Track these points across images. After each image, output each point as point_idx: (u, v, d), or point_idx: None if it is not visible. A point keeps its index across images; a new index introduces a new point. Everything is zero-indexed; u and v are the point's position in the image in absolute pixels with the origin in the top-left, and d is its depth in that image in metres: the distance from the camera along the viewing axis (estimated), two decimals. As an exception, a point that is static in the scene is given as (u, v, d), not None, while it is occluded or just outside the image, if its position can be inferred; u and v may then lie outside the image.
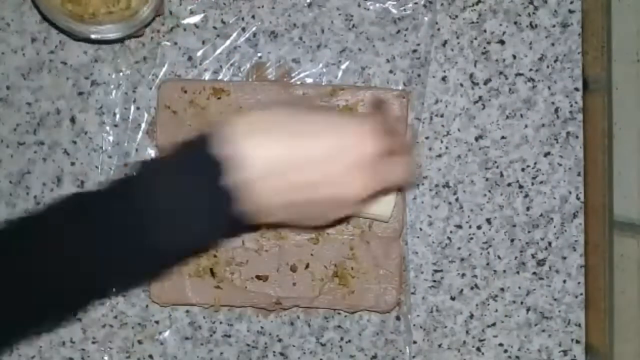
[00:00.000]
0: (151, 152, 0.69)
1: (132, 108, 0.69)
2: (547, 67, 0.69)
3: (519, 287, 0.68)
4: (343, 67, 0.69)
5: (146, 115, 0.69)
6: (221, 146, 0.46)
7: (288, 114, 0.49)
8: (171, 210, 0.46)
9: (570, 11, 0.69)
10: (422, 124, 0.69)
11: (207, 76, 0.69)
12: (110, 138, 0.69)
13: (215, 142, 0.47)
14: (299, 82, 0.69)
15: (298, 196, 0.48)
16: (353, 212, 0.53)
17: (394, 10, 0.69)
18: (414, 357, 0.68)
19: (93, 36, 0.64)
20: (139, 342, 0.69)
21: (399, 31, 0.69)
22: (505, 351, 0.68)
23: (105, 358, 0.68)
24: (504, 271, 0.69)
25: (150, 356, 0.69)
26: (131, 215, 0.46)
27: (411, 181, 0.52)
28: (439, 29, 0.69)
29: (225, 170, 0.46)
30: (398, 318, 0.68)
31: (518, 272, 0.68)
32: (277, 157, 0.47)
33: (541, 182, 0.69)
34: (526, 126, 0.69)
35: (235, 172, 0.46)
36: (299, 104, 0.51)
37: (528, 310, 0.68)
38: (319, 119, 0.49)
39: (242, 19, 0.69)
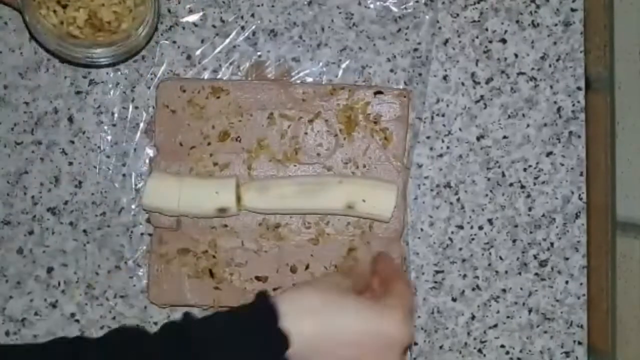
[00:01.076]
0: (149, 152, 0.68)
1: (131, 107, 0.69)
2: (549, 66, 0.68)
3: (521, 288, 0.68)
4: (343, 66, 0.68)
5: (144, 114, 0.69)
6: (279, 322, 0.49)
7: (337, 295, 0.53)
8: None
9: (573, 9, 0.68)
10: (423, 123, 0.68)
11: (206, 75, 0.68)
12: (109, 137, 0.68)
13: (272, 317, 0.50)
14: (298, 81, 0.68)
15: None
16: None
17: (394, 9, 0.68)
18: (415, 358, 0.68)
19: (83, 61, 0.63)
20: (138, 343, 0.68)
21: (399, 30, 0.68)
22: (507, 353, 0.68)
23: (104, 359, 0.68)
24: (506, 272, 0.68)
25: (149, 358, 0.68)
26: None
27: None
28: (440, 28, 0.69)
29: (279, 344, 0.49)
30: (399, 319, 0.68)
31: (520, 273, 0.68)
32: (319, 336, 0.51)
33: (543, 182, 0.68)
34: (528, 126, 0.68)
35: (290, 347, 0.49)
36: (346, 286, 0.56)
37: (530, 311, 0.68)
38: (361, 305, 0.53)
39: (242, 17, 0.69)
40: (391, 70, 0.68)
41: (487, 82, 0.68)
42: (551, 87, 0.68)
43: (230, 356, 0.48)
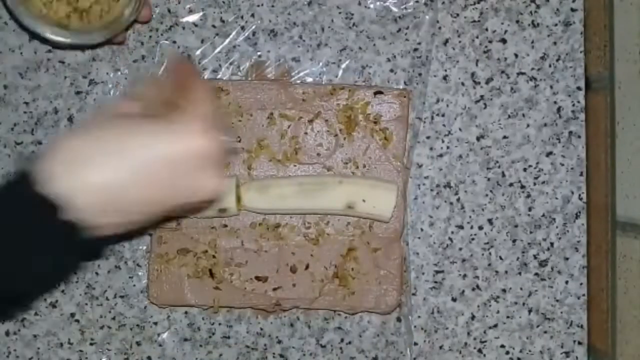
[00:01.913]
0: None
1: (131, 107, 0.68)
2: (549, 66, 0.68)
3: (521, 288, 0.68)
4: (343, 66, 0.68)
5: (145, 114, 0.68)
6: (45, 185, 0.44)
7: (107, 132, 0.47)
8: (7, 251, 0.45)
9: (573, 9, 0.68)
10: (423, 123, 0.68)
11: (206, 75, 0.68)
12: (109, 137, 0.68)
13: (37, 179, 0.44)
14: (298, 81, 0.68)
15: (147, 209, 0.48)
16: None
17: (394, 9, 0.68)
18: (414, 358, 0.68)
19: (69, 41, 0.62)
20: (137, 343, 0.68)
21: (399, 30, 0.68)
22: (507, 353, 0.68)
23: (104, 359, 0.68)
24: (506, 272, 0.68)
25: (149, 358, 0.68)
26: None
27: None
28: (440, 28, 0.68)
29: (55, 210, 0.44)
30: (399, 319, 0.68)
31: (520, 273, 0.68)
32: (109, 185, 0.46)
33: (543, 182, 0.68)
34: (528, 126, 0.68)
35: (68, 213, 0.44)
36: (112, 119, 0.49)
37: (530, 311, 0.68)
38: (151, 128, 0.47)
39: (242, 17, 0.69)
40: (391, 70, 0.68)
41: (487, 82, 0.68)
42: (551, 87, 0.68)
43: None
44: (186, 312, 0.68)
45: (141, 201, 0.47)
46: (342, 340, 0.68)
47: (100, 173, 0.45)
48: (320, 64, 0.69)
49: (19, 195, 0.45)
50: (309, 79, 0.69)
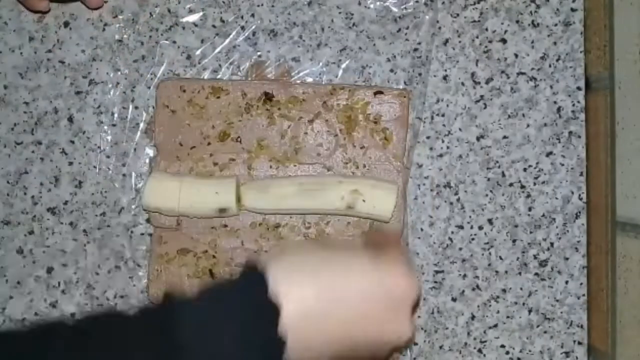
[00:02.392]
0: (149, 152, 0.68)
1: (131, 107, 0.69)
2: (549, 66, 0.68)
3: (521, 288, 0.68)
4: (343, 66, 0.68)
5: (144, 114, 0.68)
6: (267, 289, 0.45)
7: (325, 252, 0.49)
8: (217, 352, 0.43)
9: (573, 9, 0.68)
10: (423, 123, 0.68)
11: (206, 75, 0.68)
12: (109, 137, 0.68)
13: (258, 283, 0.45)
14: (298, 81, 0.68)
15: (343, 334, 0.47)
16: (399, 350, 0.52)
17: (394, 9, 0.68)
18: (414, 358, 0.68)
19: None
20: (138, 343, 0.68)
21: (399, 30, 0.68)
22: (507, 353, 0.68)
23: None
24: (506, 272, 0.68)
25: (149, 358, 0.68)
26: (170, 352, 0.43)
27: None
28: (440, 28, 0.68)
29: (271, 314, 0.44)
30: (399, 319, 0.68)
31: (520, 273, 0.68)
32: (317, 297, 0.46)
33: (543, 182, 0.68)
34: (528, 126, 0.68)
35: (280, 315, 0.44)
36: (333, 244, 0.52)
37: (530, 311, 0.68)
38: (355, 259, 0.49)
39: (242, 17, 0.69)
40: (391, 70, 0.68)
41: (487, 82, 0.68)
42: (551, 87, 0.68)
43: (214, 340, 0.43)
44: (186, 312, 0.68)
45: (340, 329, 0.47)
46: (342, 340, 0.68)
47: (316, 285, 0.46)
48: (320, 64, 0.69)
49: (243, 294, 0.45)
50: (309, 79, 0.69)
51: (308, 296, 0.45)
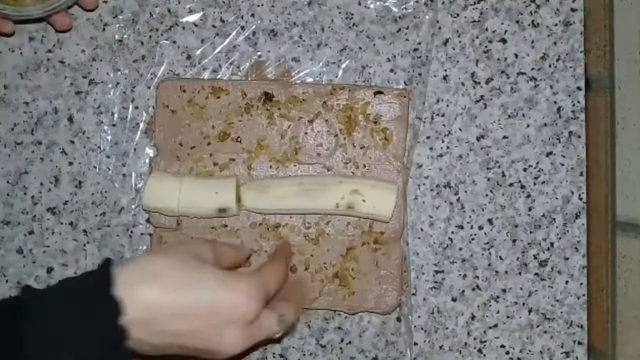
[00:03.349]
0: (149, 152, 0.68)
1: (131, 107, 0.69)
2: (549, 66, 0.68)
3: (521, 288, 0.68)
4: (343, 66, 0.68)
5: (144, 114, 0.69)
6: (110, 289, 0.48)
7: (186, 263, 0.51)
8: (58, 349, 0.47)
9: (573, 9, 0.68)
10: (423, 123, 0.68)
11: (206, 75, 0.68)
12: (109, 137, 0.68)
13: (104, 284, 0.48)
14: (298, 81, 0.68)
15: (174, 342, 0.50)
16: None
17: (394, 9, 0.68)
18: (414, 358, 0.68)
19: (9, 13, 0.62)
20: (138, 343, 0.68)
21: (399, 30, 0.68)
22: (507, 353, 0.68)
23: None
24: (506, 272, 0.68)
25: (149, 358, 0.68)
26: (13, 341, 0.47)
27: (289, 328, 0.57)
28: (440, 28, 0.68)
29: (112, 312, 0.47)
30: (399, 319, 0.68)
31: (520, 273, 0.68)
32: (158, 304, 0.49)
33: (543, 182, 0.68)
34: (528, 126, 0.68)
35: (120, 316, 0.47)
36: (188, 251, 0.54)
37: (530, 311, 0.68)
38: (200, 275, 0.51)
39: (242, 17, 0.69)
40: (391, 70, 0.68)
41: (487, 82, 0.68)
42: (551, 87, 0.68)
43: (58, 325, 0.47)
44: (186, 312, 0.68)
45: (175, 332, 0.50)
46: (342, 340, 0.68)
47: (154, 291, 0.49)
48: (320, 64, 0.69)
49: (93, 290, 0.48)
50: (309, 79, 0.69)
51: (146, 299, 0.48)
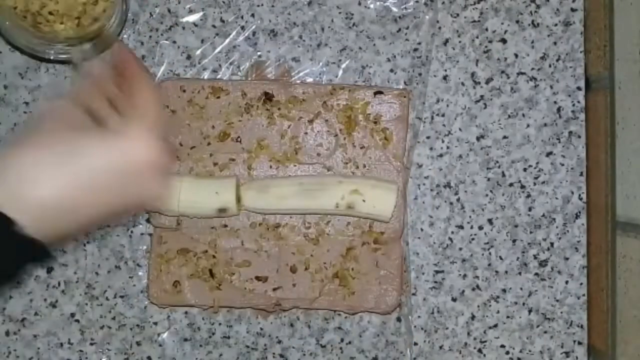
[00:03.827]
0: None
1: (131, 107, 0.68)
2: (549, 66, 0.68)
3: (521, 288, 0.68)
4: (343, 66, 0.68)
5: (145, 114, 0.68)
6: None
7: (53, 145, 0.47)
8: None
9: (573, 10, 0.68)
10: (423, 123, 0.68)
11: (206, 75, 0.68)
12: (109, 137, 0.68)
13: None
14: (298, 81, 0.68)
15: (93, 216, 0.48)
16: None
17: (394, 9, 0.68)
18: (414, 358, 0.68)
19: (53, 57, 0.63)
20: (138, 343, 0.68)
21: (399, 30, 0.68)
22: (507, 353, 0.68)
23: (104, 359, 0.68)
24: (506, 272, 0.68)
25: (149, 357, 0.68)
26: None
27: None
28: (440, 28, 0.68)
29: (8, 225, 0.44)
30: (399, 319, 0.68)
31: (520, 273, 0.68)
32: (56, 199, 0.45)
33: (543, 182, 0.68)
34: (528, 126, 0.68)
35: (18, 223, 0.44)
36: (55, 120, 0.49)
37: (530, 311, 0.68)
38: (97, 137, 0.48)
39: (242, 17, 0.69)
40: (391, 70, 0.68)
41: (487, 82, 0.68)
42: (551, 87, 0.68)
43: None
44: (186, 312, 0.68)
45: (89, 211, 0.47)
46: (342, 340, 0.68)
47: (45, 189, 0.45)
48: (320, 64, 0.69)
49: None
50: (309, 79, 0.69)
51: (47, 195, 0.45)
